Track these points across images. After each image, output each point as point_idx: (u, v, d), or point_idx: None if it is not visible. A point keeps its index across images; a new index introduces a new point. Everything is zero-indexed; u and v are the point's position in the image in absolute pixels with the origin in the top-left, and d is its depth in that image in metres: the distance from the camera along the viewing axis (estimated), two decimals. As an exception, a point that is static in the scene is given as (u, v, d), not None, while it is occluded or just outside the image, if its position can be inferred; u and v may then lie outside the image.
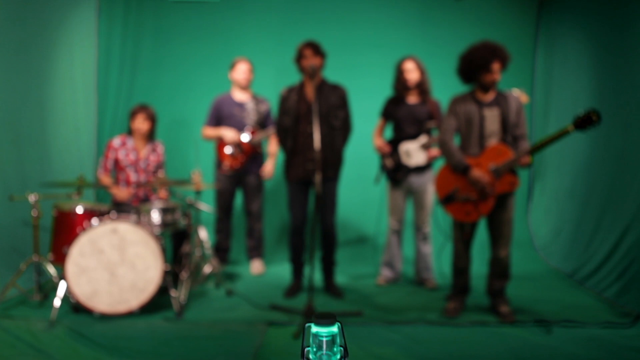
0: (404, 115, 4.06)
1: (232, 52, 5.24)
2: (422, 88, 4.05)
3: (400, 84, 4.05)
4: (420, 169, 4.09)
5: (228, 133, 4.33)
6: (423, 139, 4.04)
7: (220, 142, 4.42)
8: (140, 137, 4.11)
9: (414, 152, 4.04)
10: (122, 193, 4.04)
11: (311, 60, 3.71)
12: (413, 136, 4.06)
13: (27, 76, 4.19)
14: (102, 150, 4.97)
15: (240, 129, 4.40)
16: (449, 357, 2.85)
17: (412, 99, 4.09)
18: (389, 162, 4.12)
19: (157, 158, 4.19)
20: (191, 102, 5.32)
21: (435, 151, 4.05)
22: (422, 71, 4.05)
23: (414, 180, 4.11)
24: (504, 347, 2.96)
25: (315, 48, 3.74)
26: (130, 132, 4.13)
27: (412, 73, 4.01)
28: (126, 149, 4.08)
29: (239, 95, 4.46)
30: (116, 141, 4.11)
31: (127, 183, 4.11)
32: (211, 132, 4.42)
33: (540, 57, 5.38)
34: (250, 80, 4.46)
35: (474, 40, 3.41)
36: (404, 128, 4.07)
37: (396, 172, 4.10)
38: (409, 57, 4.07)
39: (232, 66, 4.44)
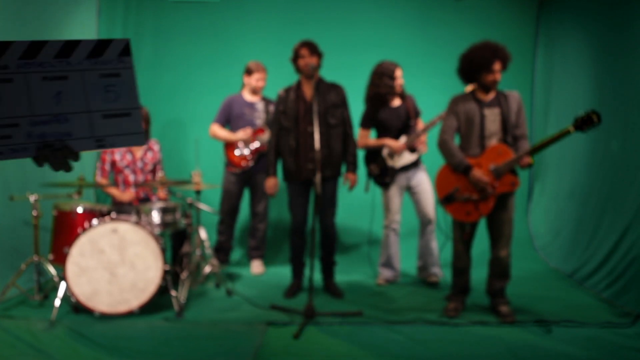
0: (391, 118, 4.10)
1: (231, 52, 5.25)
2: (403, 91, 4.14)
3: (392, 89, 4.05)
4: (414, 165, 4.12)
5: (239, 133, 4.42)
6: (403, 139, 4.09)
7: (229, 144, 4.47)
8: None
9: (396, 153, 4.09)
10: (124, 196, 4.04)
11: (308, 60, 3.72)
12: (397, 138, 4.11)
13: (27, 76, 4.18)
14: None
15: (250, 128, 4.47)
16: (449, 357, 2.86)
17: (396, 102, 4.14)
18: (374, 168, 4.16)
19: (154, 156, 4.18)
20: (191, 102, 5.32)
21: (417, 142, 4.07)
22: None
23: (410, 178, 4.13)
24: (504, 347, 2.96)
25: (311, 47, 3.75)
26: None
27: (401, 79, 4.08)
28: (121, 150, 4.07)
29: (250, 97, 4.53)
30: None
31: (126, 184, 4.10)
32: (223, 134, 4.47)
33: (540, 57, 5.38)
34: (264, 87, 4.55)
35: (474, 40, 3.41)
36: (391, 131, 4.10)
37: (383, 177, 4.13)
38: (395, 64, 4.07)
39: (249, 71, 4.49)
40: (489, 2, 5.36)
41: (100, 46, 1.15)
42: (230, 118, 4.50)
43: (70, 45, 1.13)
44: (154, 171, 4.19)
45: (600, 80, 4.28)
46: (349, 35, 5.32)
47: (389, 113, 4.11)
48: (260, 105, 4.51)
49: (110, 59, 1.16)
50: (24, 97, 1.09)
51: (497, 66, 3.28)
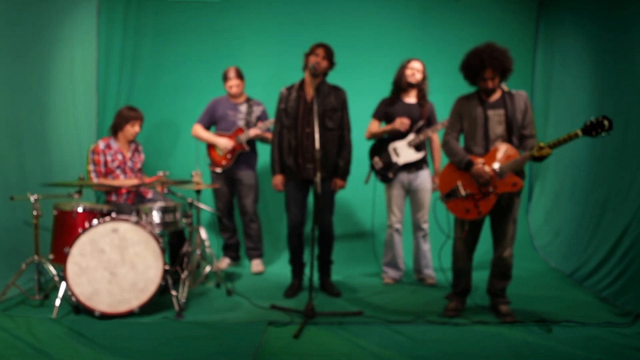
0: (400, 113, 4.10)
1: (231, 53, 5.25)
2: (421, 89, 4.14)
3: (403, 80, 4.09)
4: (417, 167, 4.12)
5: (222, 141, 4.51)
6: (411, 137, 4.10)
7: (212, 144, 4.58)
8: (125, 139, 4.11)
9: (401, 150, 4.10)
10: (127, 182, 4.02)
11: (320, 60, 3.73)
12: (405, 135, 4.11)
13: (28, 76, 4.19)
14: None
15: (231, 129, 4.54)
16: (449, 356, 2.86)
17: (410, 99, 4.13)
18: (378, 161, 4.18)
19: (140, 157, 4.22)
20: (191, 102, 5.32)
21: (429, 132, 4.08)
22: (425, 75, 4.16)
23: (412, 179, 4.14)
24: (504, 346, 2.96)
25: (328, 51, 3.78)
26: (115, 134, 4.11)
27: (418, 73, 4.09)
28: (112, 151, 4.07)
29: (233, 98, 4.60)
30: (101, 145, 4.06)
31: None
32: (206, 135, 4.58)
33: (540, 58, 5.38)
34: (242, 90, 4.60)
35: (474, 40, 3.41)
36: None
37: (386, 171, 4.14)
38: (416, 58, 4.14)
39: (224, 78, 4.58)
40: (489, 2, 5.36)
41: None
42: (214, 119, 4.60)
43: None
44: (140, 171, 4.21)
45: (600, 80, 4.28)
46: (349, 35, 5.32)
47: (399, 108, 4.12)
48: (243, 107, 4.58)
49: None
50: None
51: (488, 74, 3.24)
